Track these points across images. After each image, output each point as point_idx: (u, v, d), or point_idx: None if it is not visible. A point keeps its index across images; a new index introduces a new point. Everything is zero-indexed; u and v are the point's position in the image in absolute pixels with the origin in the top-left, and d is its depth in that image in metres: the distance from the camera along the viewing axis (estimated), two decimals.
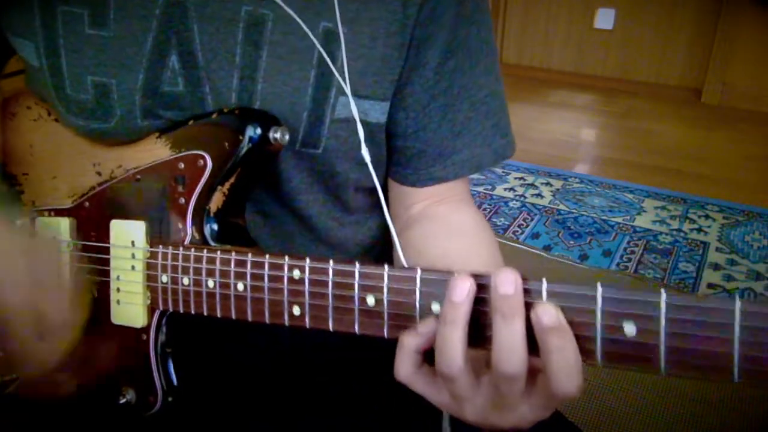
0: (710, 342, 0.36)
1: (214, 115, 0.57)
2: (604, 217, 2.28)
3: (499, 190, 2.49)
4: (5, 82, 0.71)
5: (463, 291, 0.40)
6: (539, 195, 2.45)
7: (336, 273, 0.47)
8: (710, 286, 1.90)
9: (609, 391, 1.45)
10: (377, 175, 0.71)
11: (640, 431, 1.37)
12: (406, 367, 0.44)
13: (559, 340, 0.39)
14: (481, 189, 2.49)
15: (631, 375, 1.49)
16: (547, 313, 0.39)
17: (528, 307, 0.40)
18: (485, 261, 0.63)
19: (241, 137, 0.56)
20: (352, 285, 0.46)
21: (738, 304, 0.36)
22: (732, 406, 1.42)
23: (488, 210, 2.34)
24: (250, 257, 0.50)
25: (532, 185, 2.53)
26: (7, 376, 0.64)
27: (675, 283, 1.91)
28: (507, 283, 0.39)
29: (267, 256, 0.50)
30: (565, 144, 3.03)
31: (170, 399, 0.59)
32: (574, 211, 2.33)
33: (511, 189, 2.50)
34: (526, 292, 0.40)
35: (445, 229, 0.66)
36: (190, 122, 0.58)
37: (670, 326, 0.37)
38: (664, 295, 0.37)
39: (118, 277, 0.58)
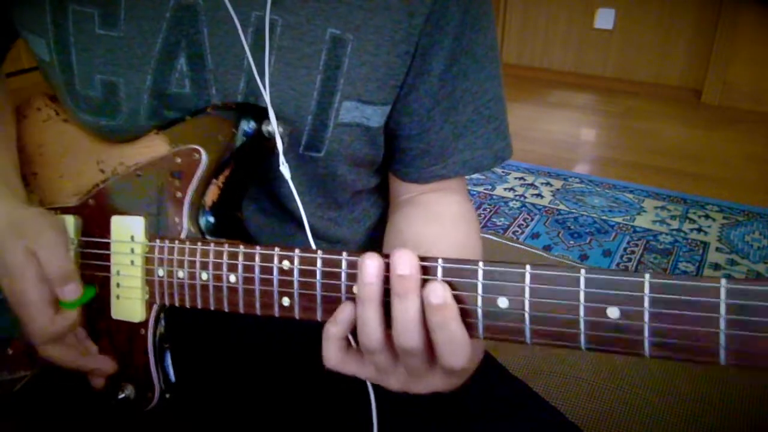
0: (696, 322, 0.36)
1: (210, 110, 0.58)
2: (604, 217, 2.28)
3: (499, 190, 2.49)
4: (22, 78, 0.72)
5: (372, 271, 0.43)
6: (539, 195, 2.45)
7: (324, 263, 0.47)
8: None
9: (609, 391, 1.45)
10: (375, 175, 0.72)
11: (640, 431, 1.37)
12: (333, 354, 0.47)
13: (442, 316, 0.42)
14: (481, 189, 2.49)
15: (632, 375, 1.49)
16: (434, 292, 0.42)
17: (424, 284, 0.43)
18: (455, 247, 0.65)
19: (235, 131, 0.56)
20: (339, 274, 0.47)
21: (723, 282, 0.35)
22: (732, 407, 1.42)
23: (488, 210, 2.34)
24: (241, 249, 0.51)
25: (532, 185, 2.53)
26: (15, 374, 0.64)
27: None
28: (402, 264, 0.42)
29: (258, 247, 0.50)
30: (565, 144, 3.03)
31: (167, 395, 0.59)
32: (574, 211, 2.33)
33: (511, 189, 2.50)
34: (425, 271, 0.43)
35: (424, 214, 0.68)
36: (188, 118, 0.59)
37: (654, 308, 0.37)
38: (647, 277, 0.37)
39: (118, 272, 0.59)
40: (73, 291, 0.57)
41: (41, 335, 0.57)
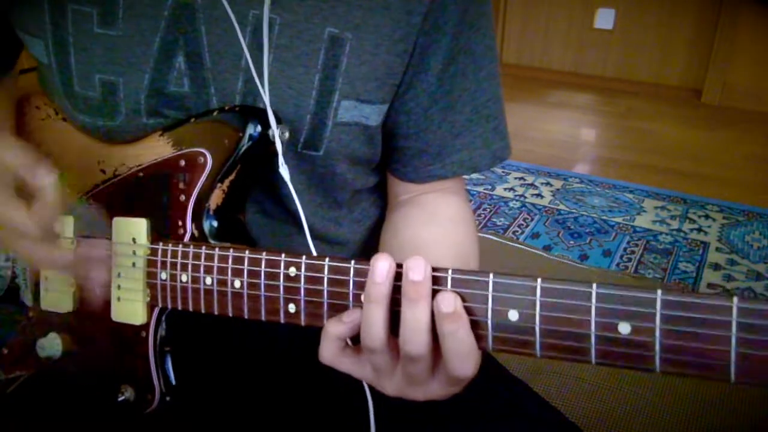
0: (706, 340, 0.36)
1: (215, 113, 0.58)
2: (604, 217, 2.28)
3: (499, 190, 2.48)
4: (22, 78, 0.72)
5: (383, 271, 0.43)
6: (539, 195, 2.45)
7: (331, 270, 0.47)
8: (710, 286, 1.90)
9: (609, 391, 1.45)
10: (374, 174, 0.72)
11: (640, 431, 1.37)
12: (330, 351, 0.47)
13: (452, 325, 0.42)
14: (481, 189, 2.49)
15: (631, 375, 1.49)
16: (445, 301, 0.42)
17: (435, 294, 0.43)
18: (453, 248, 0.65)
19: (241, 134, 0.56)
20: (347, 282, 0.46)
21: (735, 300, 0.35)
22: (732, 407, 1.42)
23: (488, 210, 2.33)
24: (247, 254, 0.51)
25: (532, 185, 2.53)
26: (10, 374, 0.64)
27: (674, 283, 1.91)
28: (416, 271, 0.42)
29: (264, 253, 0.50)
30: (565, 144, 3.02)
31: (168, 398, 0.59)
32: (574, 211, 2.33)
33: (511, 189, 2.50)
34: (435, 281, 0.43)
35: (422, 215, 0.68)
36: (192, 120, 0.58)
37: (665, 324, 0.37)
38: (659, 293, 0.37)
39: (119, 274, 0.58)
40: (45, 175, 0.51)
41: (29, 231, 0.51)
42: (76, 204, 0.61)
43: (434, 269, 0.43)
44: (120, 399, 0.59)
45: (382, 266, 0.43)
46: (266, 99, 0.57)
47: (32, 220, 0.51)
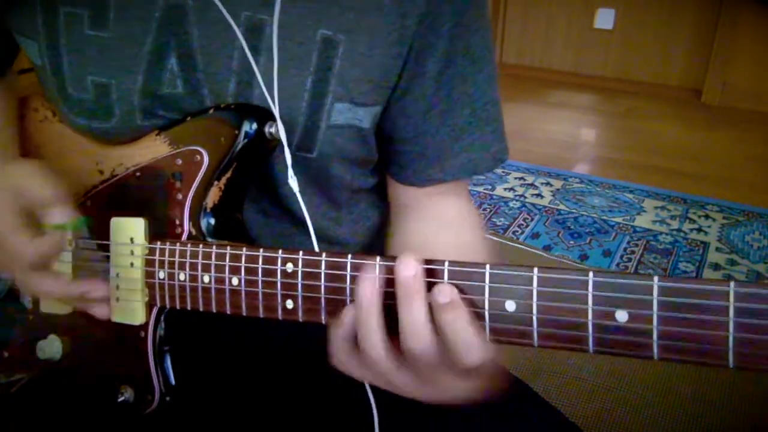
0: (704, 325, 0.36)
1: (211, 111, 0.58)
2: (604, 217, 2.28)
3: (499, 190, 2.49)
4: (23, 77, 0.72)
5: (368, 291, 0.44)
6: (539, 195, 2.45)
7: (328, 266, 0.47)
8: None
9: (609, 391, 1.45)
10: (372, 175, 0.72)
11: (639, 431, 1.37)
12: (339, 355, 0.47)
13: (451, 315, 0.42)
14: (481, 189, 2.49)
15: (631, 375, 1.49)
16: (442, 293, 0.42)
17: (431, 288, 0.43)
18: (453, 252, 0.64)
19: (237, 132, 0.56)
20: (344, 277, 0.46)
21: (732, 285, 0.35)
22: (732, 407, 1.42)
23: (488, 210, 2.33)
24: (244, 251, 0.51)
25: (532, 185, 2.53)
26: (12, 376, 0.64)
27: None
28: (407, 268, 0.42)
29: (261, 250, 0.50)
30: (565, 144, 3.02)
31: (168, 398, 0.59)
32: (574, 211, 2.33)
33: (511, 189, 2.50)
34: (431, 274, 0.43)
35: (425, 216, 0.68)
36: (188, 119, 0.58)
37: (662, 311, 0.37)
38: (656, 280, 0.37)
39: (117, 275, 0.58)
40: (60, 215, 0.57)
41: (25, 260, 0.56)
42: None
43: (430, 262, 0.43)
44: (120, 399, 0.59)
45: (369, 279, 0.44)
46: (275, 106, 0.57)
47: (34, 254, 0.56)
